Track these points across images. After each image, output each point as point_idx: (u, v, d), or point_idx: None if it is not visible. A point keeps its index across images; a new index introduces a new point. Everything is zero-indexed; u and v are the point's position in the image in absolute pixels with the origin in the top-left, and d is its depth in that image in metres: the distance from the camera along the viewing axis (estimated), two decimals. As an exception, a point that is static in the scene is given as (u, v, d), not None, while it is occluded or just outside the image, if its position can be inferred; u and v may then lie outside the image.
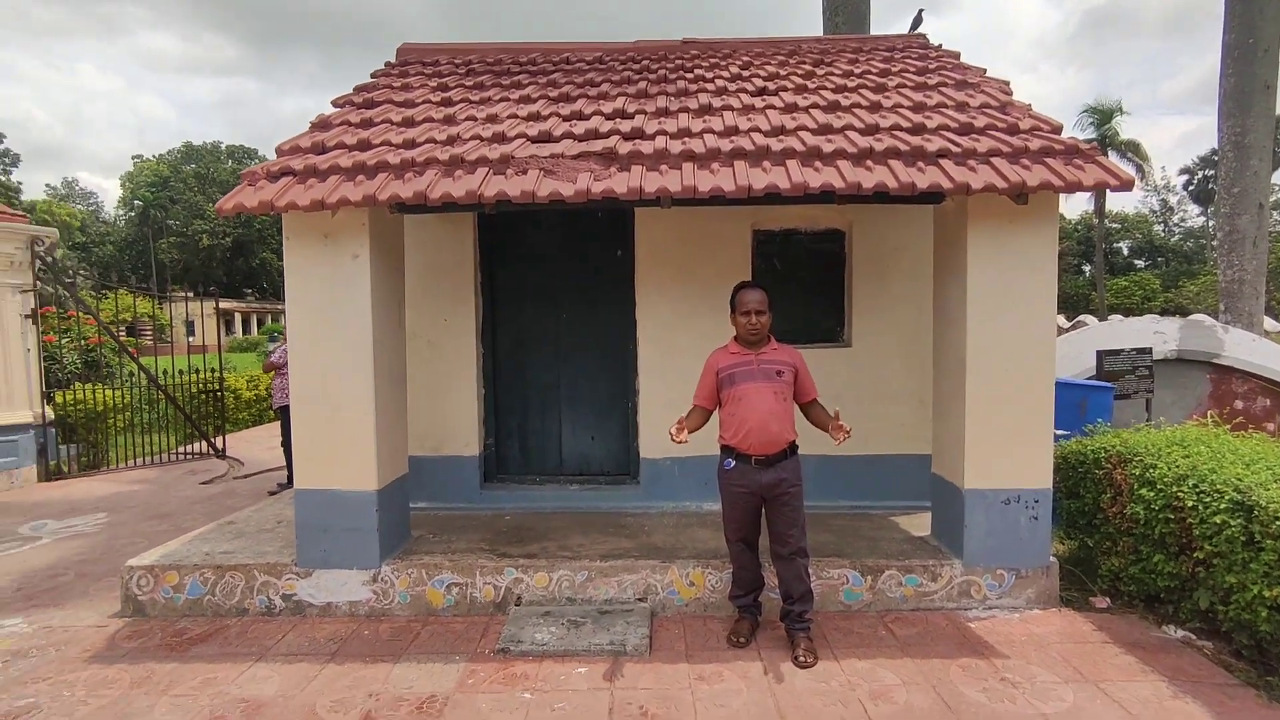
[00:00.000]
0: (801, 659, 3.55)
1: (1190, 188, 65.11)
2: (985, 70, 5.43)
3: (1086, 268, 53.41)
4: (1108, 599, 4.26)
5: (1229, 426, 4.36)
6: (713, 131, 4.32)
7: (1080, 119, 40.30)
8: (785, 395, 3.65)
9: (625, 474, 5.59)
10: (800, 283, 5.41)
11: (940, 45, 6.18)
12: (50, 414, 8.49)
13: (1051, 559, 4.21)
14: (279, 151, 4.37)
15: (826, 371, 5.30)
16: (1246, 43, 8.89)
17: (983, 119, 4.40)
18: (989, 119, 4.41)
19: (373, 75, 5.86)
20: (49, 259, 8.54)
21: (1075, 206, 56.16)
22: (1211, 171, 63.99)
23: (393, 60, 6.36)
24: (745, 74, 5.53)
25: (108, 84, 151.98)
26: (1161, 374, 7.43)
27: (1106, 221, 54.80)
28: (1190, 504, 3.49)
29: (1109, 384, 6.05)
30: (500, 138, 4.34)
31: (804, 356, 3.88)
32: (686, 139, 4.23)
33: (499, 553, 4.39)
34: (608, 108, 4.78)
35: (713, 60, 6.00)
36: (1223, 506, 3.32)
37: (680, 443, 3.51)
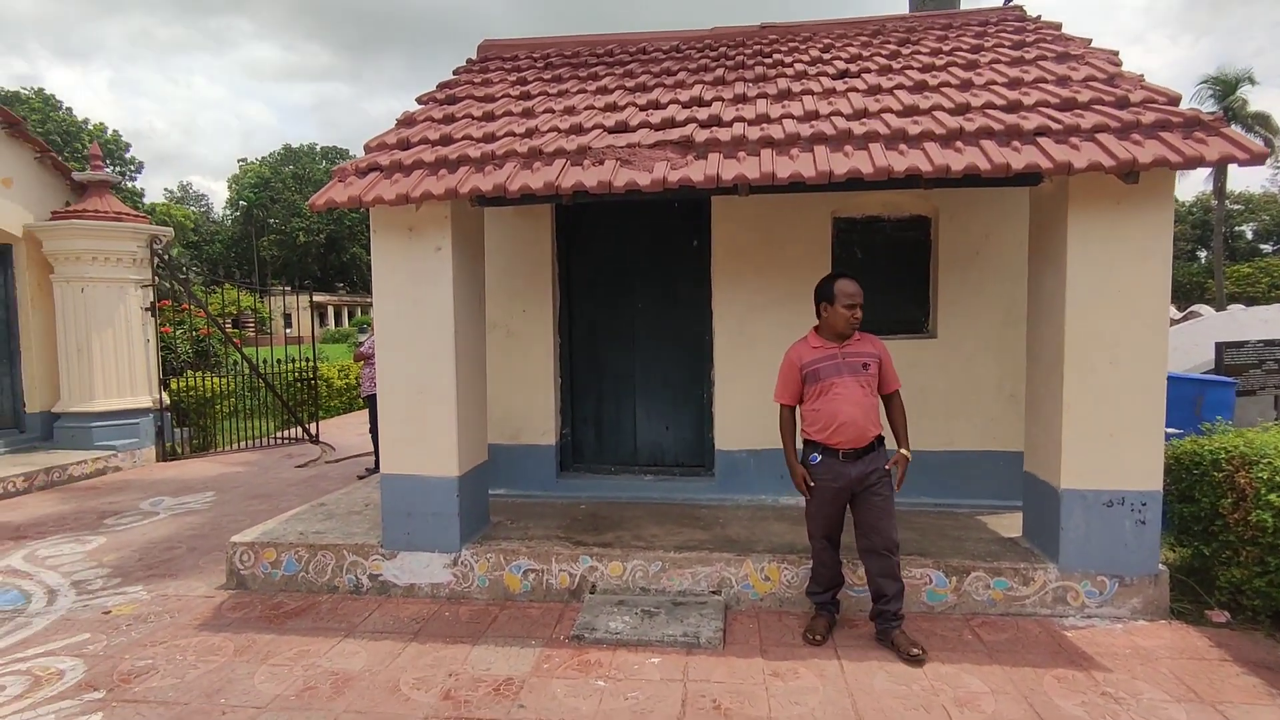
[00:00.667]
0: (915, 653, 3.46)
1: (1324, 167, 59.14)
2: (1090, 41, 5.06)
3: (1202, 253, 49.51)
4: (1227, 613, 3.91)
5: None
6: (792, 117, 4.21)
7: (1199, 91, 37.19)
8: (872, 388, 3.56)
9: (699, 465, 5.55)
10: (883, 271, 5.20)
11: (1039, 17, 5.80)
12: (166, 399, 9.16)
13: (1161, 567, 3.90)
14: (367, 149, 4.54)
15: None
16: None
17: (1087, 93, 4.10)
18: (1094, 93, 4.10)
19: (455, 72, 6.01)
20: (166, 256, 9.21)
21: (1190, 187, 52.09)
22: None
23: (474, 57, 6.49)
24: (826, 57, 5.35)
25: (217, 93, 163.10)
26: (1290, 369, 6.77)
27: (1228, 202, 50.68)
28: (1326, 512, 3.16)
29: (1230, 378, 5.57)
30: (577, 129, 4.36)
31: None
32: (765, 125, 4.13)
33: (574, 541, 4.44)
34: (684, 96, 4.72)
35: (792, 44, 5.84)
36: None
37: (808, 496, 3.64)
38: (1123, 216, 3.74)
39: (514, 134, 4.40)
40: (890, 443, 3.66)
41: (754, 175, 3.67)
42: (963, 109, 4.09)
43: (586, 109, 4.71)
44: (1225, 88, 34.99)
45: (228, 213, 62.57)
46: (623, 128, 4.31)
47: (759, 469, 5.27)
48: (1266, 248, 55.67)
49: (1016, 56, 4.85)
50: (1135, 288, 3.77)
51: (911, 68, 4.87)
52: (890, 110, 4.14)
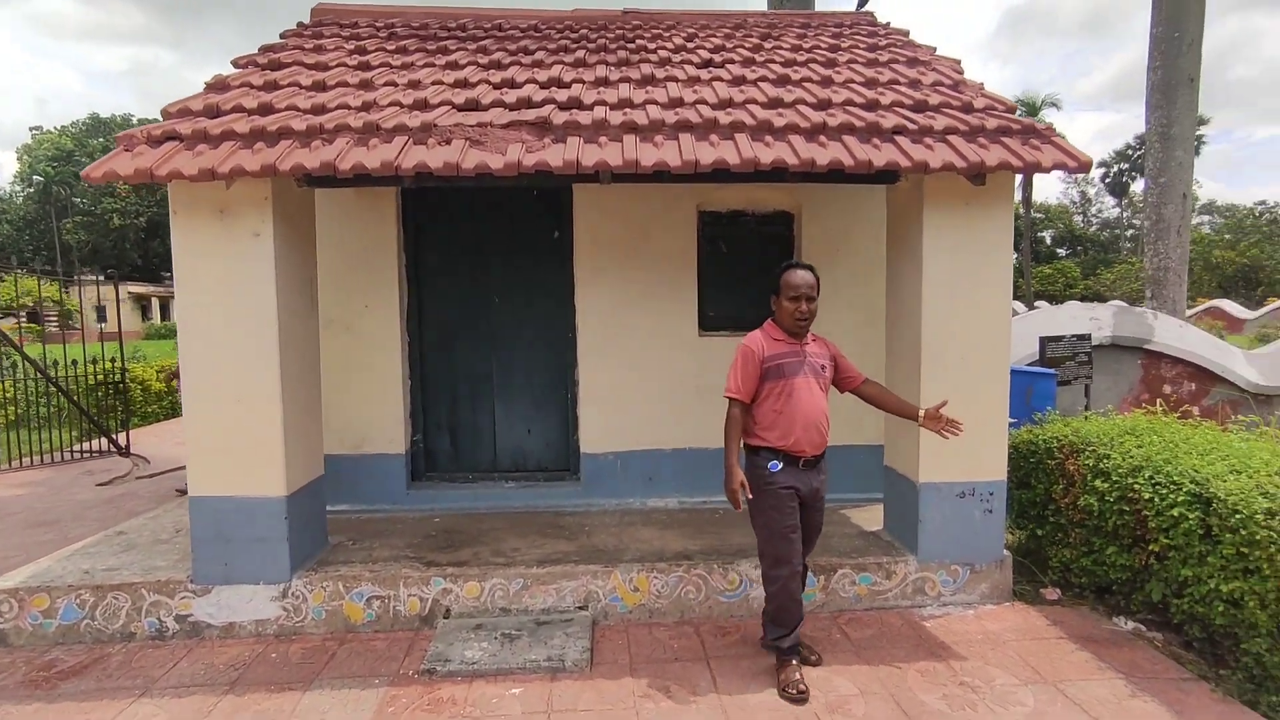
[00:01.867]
0: (812, 659, 3.40)
1: (1106, 180, 68.47)
2: (935, 49, 5.27)
3: (1014, 255, 55.51)
4: (1058, 590, 4.18)
5: (1177, 415, 4.32)
6: (656, 103, 4.01)
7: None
8: (827, 391, 3.31)
9: (565, 469, 5.26)
10: (748, 267, 5.16)
11: (889, 23, 6.00)
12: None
13: (1005, 553, 4.10)
14: (165, 114, 3.86)
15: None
16: (1172, 36, 9.08)
17: (937, 97, 4.22)
18: (943, 97, 4.22)
19: (282, 36, 5.31)
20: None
21: (1003, 196, 58.15)
22: (1126, 165, 67.46)
23: (306, 22, 5.79)
24: (690, 45, 5.22)
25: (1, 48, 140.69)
26: (1097, 359, 7.54)
27: (1031, 211, 57.15)
28: (1146, 496, 3.40)
29: (1053, 370, 6.04)
30: (423, 105, 3.92)
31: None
32: (628, 110, 3.90)
33: (426, 560, 4.02)
34: (543, 76, 4.40)
35: (655, 31, 5.67)
36: (1180, 499, 3.22)
37: (739, 509, 3.21)
38: (971, 217, 3.86)
39: (349, 106, 3.89)
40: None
41: (616, 161, 3.42)
42: (825, 104, 4.07)
43: (434, 84, 4.27)
44: (1029, 108, 39.31)
45: (18, 188, 54.25)
46: (474, 106, 3.92)
47: (626, 472, 5.06)
48: (1062, 251, 63.60)
49: (871, 58, 4.94)
50: (983, 286, 3.91)
51: (774, 62, 4.83)
52: (755, 102, 4.05)
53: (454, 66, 4.63)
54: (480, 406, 5.24)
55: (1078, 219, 66.62)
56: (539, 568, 3.93)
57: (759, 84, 4.38)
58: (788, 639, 3.26)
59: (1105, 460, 3.77)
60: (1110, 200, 67.97)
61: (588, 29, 5.70)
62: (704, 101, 4.03)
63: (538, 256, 5.13)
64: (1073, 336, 6.58)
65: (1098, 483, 3.75)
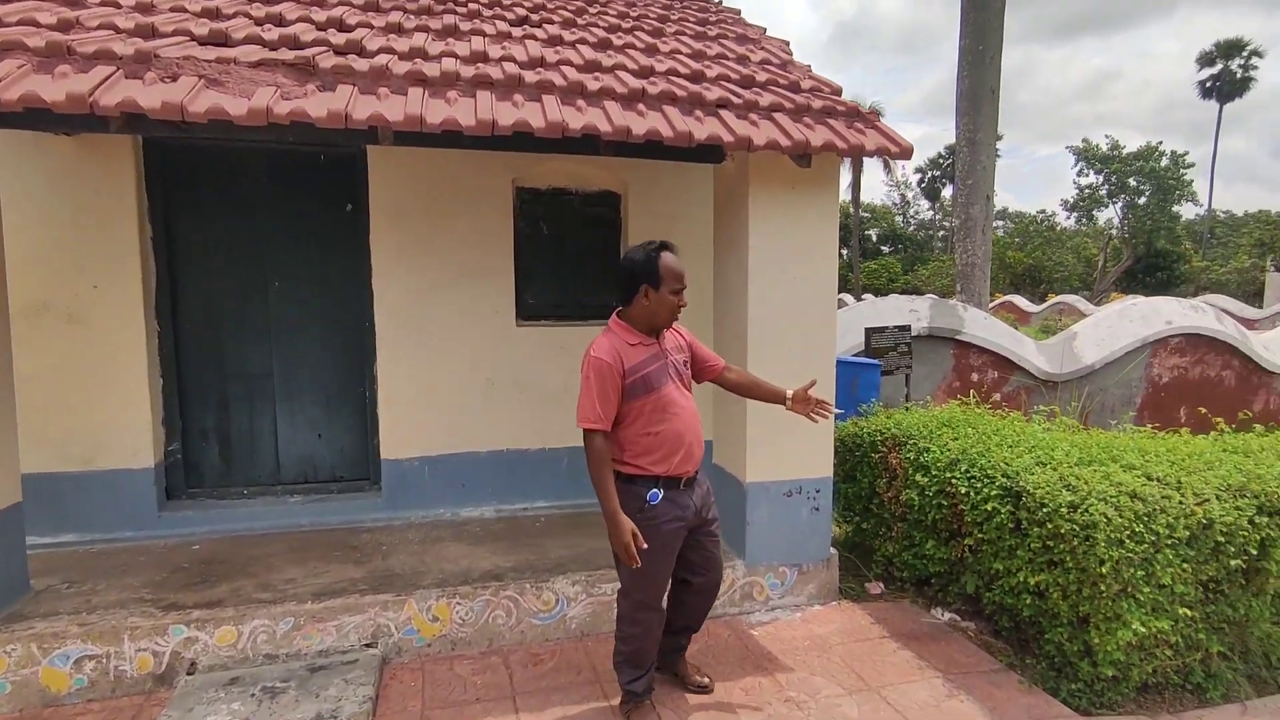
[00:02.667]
0: (704, 682, 3.07)
1: (922, 185, 75.59)
2: (765, 30, 5.09)
3: (844, 250, 59.58)
4: (882, 584, 4.14)
5: (985, 402, 4.41)
6: (455, 56, 3.45)
7: (840, 116, 44.36)
8: (690, 388, 2.84)
9: (365, 479, 4.58)
10: (572, 250, 4.73)
11: (720, 1, 5.79)
12: None
13: (831, 551, 3.98)
14: None
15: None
16: (977, 49, 9.73)
17: (764, 74, 3.99)
18: (770, 75, 4.01)
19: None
20: None
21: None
22: (938, 172, 74.79)
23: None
24: (506, 1, 4.67)
25: None
26: (916, 349, 7.89)
27: (860, 210, 61.64)
28: (963, 490, 3.35)
29: (877, 361, 6.15)
30: (148, 31, 3.11)
31: (576, 338, 3.16)
32: (420, 61, 3.31)
33: (166, 604, 3.23)
34: (321, 16, 3.69)
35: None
36: (993, 493, 3.19)
37: (635, 563, 2.54)
38: (797, 201, 3.66)
39: (34, 23, 2.99)
40: (572, 439, 3.13)
41: (396, 117, 2.84)
42: (647, 72, 3.70)
43: (172, 9, 3.44)
44: (859, 114, 42.12)
45: None
46: (220, 40, 3.16)
47: (435, 479, 4.47)
48: (886, 249, 69.44)
49: (700, 31, 4.67)
50: (809, 273, 3.73)
51: (597, 26, 4.41)
52: (570, 63, 3.60)
53: (213, -4, 3.78)
54: (258, 409, 4.42)
55: (899, 219, 73.10)
56: (315, 602, 3.28)
57: (577, 46, 3.94)
58: (642, 680, 2.84)
59: (925, 454, 3.72)
60: (925, 203, 75.35)
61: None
62: (512, 59, 3.53)
63: (328, 233, 4.39)
64: (895, 328, 6.78)
65: (918, 477, 3.70)
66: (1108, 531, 2.72)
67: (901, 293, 44.32)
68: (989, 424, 3.86)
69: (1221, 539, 2.79)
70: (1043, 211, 52.55)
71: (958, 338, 8.04)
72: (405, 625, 3.35)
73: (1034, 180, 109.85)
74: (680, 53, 4.14)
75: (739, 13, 5.47)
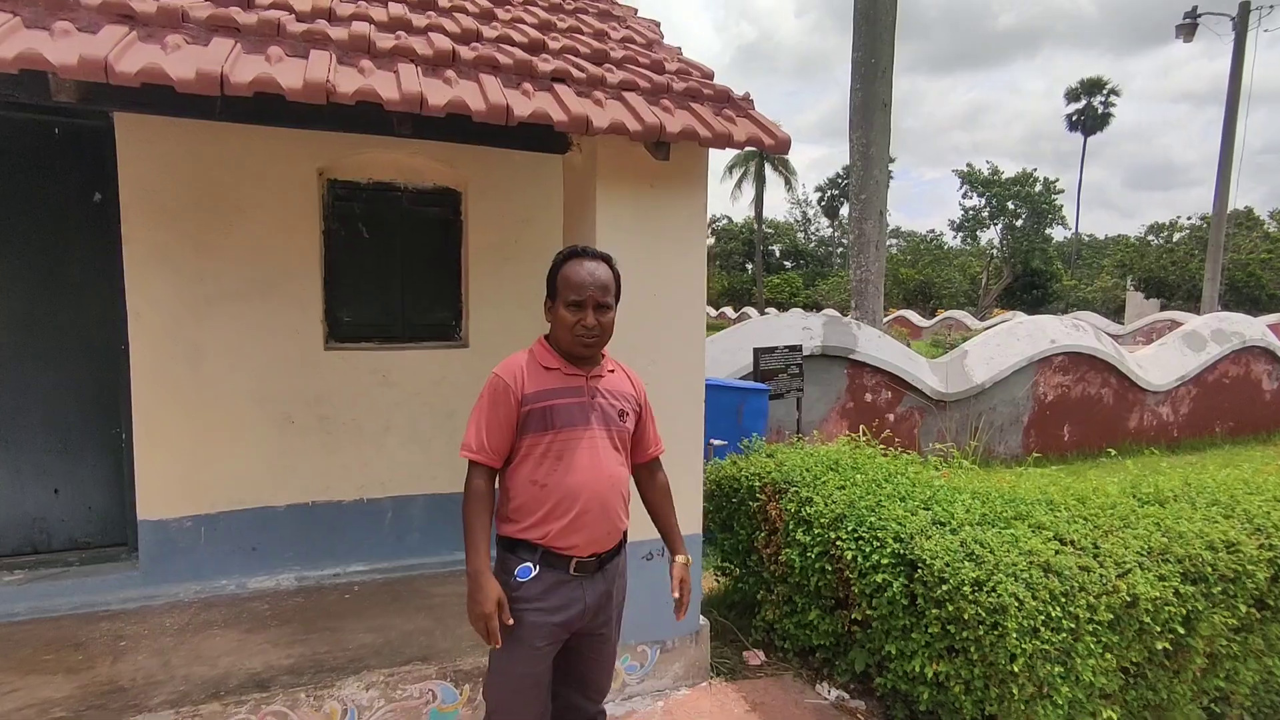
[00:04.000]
0: None
1: (822, 203, 78.47)
2: (636, 10, 4.47)
3: (749, 265, 60.76)
4: (762, 653, 3.52)
5: (877, 429, 3.91)
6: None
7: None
8: (626, 452, 2.17)
9: (120, 544, 3.57)
10: (402, 259, 3.90)
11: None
12: None
13: (702, 622, 3.33)
14: None
15: (435, 379, 3.93)
16: (870, 62, 9.57)
17: (622, 52, 3.33)
18: (630, 52, 3.35)
19: None
20: None
21: (741, 210, 63.55)
22: (836, 191, 77.89)
23: None
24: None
25: None
26: (809, 369, 7.46)
27: (763, 225, 63.19)
28: (849, 555, 2.77)
29: (764, 385, 5.62)
30: None
31: (402, 364, 2.36)
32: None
33: None
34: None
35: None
36: (884, 561, 2.62)
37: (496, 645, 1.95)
38: (658, 201, 3.01)
39: None
40: (425, 485, 2.30)
41: (67, 61, 1.96)
42: (471, 36, 2.96)
43: None
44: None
45: None
46: None
47: (214, 542, 3.53)
48: (789, 264, 71.44)
49: (556, 4, 3.96)
50: (673, 287, 3.08)
51: (427, -13, 3.63)
52: (365, 18, 2.81)
53: None
54: (-40, 455, 3.34)
55: (800, 236, 75.47)
56: (-29, 748, 2.31)
57: (387, 3, 3.15)
58: None
59: (808, 506, 3.13)
60: (826, 220, 78.15)
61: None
62: (286, 7, 2.70)
63: (65, 230, 3.39)
64: (785, 348, 6.30)
65: (799, 534, 3.10)
66: (1019, 619, 2.18)
67: (804, 307, 45.44)
68: (880, 469, 3.32)
69: (1147, 618, 2.30)
70: (931, 231, 55.21)
71: (851, 357, 7.69)
72: (117, 767, 2.43)
73: (922, 201, 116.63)
74: (523, 21, 3.43)
75: (609, -7, 4.82)
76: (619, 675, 3.14)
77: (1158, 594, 2.32)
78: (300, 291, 3.64)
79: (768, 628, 3.53)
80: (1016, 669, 2.16)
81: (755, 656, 3.52)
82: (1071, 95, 52.86)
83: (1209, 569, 2.47)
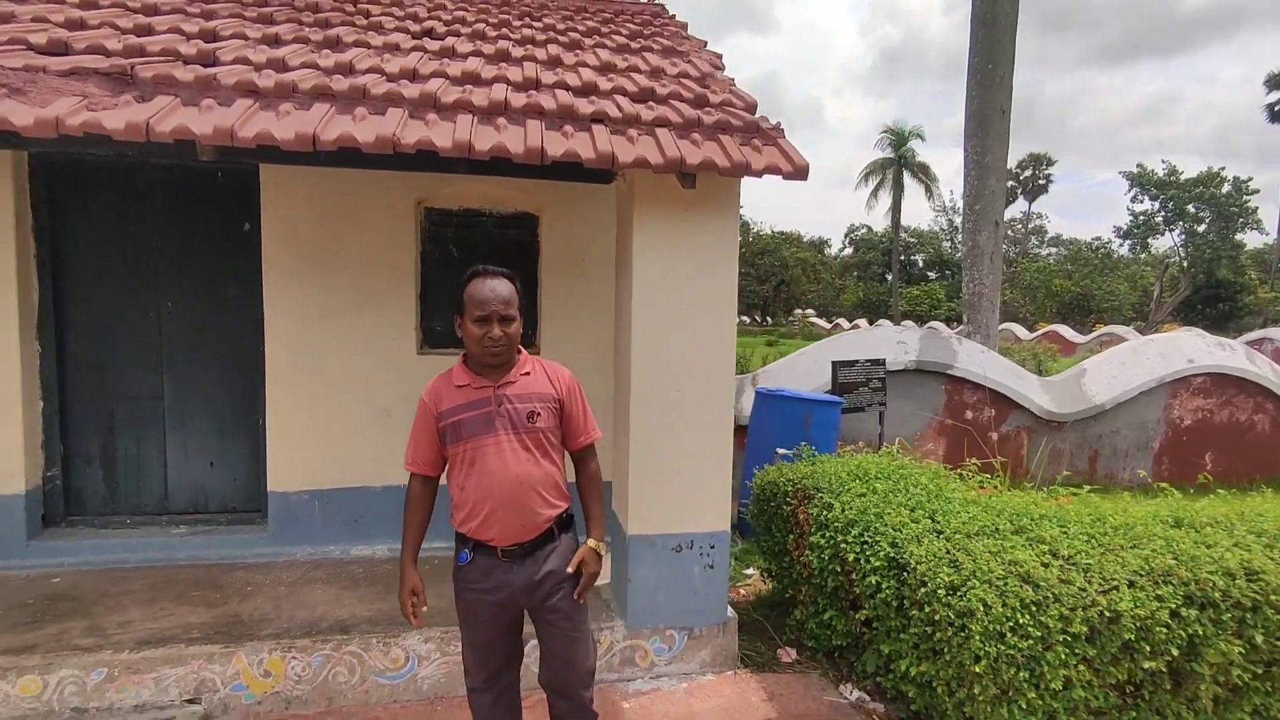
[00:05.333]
0: None
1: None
2: (706, 43, 4.79)
3: (888, 275, 58.55)
4: (794, 651, 3.69)
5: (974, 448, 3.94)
6: (310, 66, 3.23)
7: (881, 139, 43.73)
8: (546, 449, 2.36)
9: (256, 510, 4.35)
10: (485, 275, 4.45)
11: (674, 16, 5.51)
12: None
13: (729, 614, 3.56)
14: None
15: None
16: (986, 68, 9.24)
17: (671, 87, 3.67)
18: (679, 88, 3.69)
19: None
20: None
21: (880, 220, 61.20)
22: (988, 197, 72.88)
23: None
24: (424, 15, 4.47)
25: None
26: (903, 384, 7.37)
27: (905, 236, 60.69)
28: (851, 557, 2.92)
29: (836, 397, 5.69)
30: (-13, 41, 2.96)
31: None
32: (259, 71, 3.09)
33: (-25, 647, 3.03)
34: (193, 28, 3.52)
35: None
36: (877, 564, 2.76)
37: (415, 625, 2.38)
38: (690, 225, 3.31)
39: None
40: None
41: (164, 129, 2.58)
42: (530, 84, 3.43)
43: (34, 20, 3.30)
44: (898, 138, 41.40)
45: None
46: (60, 49, 3.00)
47: (325, 514, 4.22)
48: (933, 275, 67.78)
49: (624, 44, 4.38)
50: (703, 308, 3.36)
51: (509, 39, 4.17)
52: (440, 75, 3.34)
53: (90, 5, 3.67)
54: (147, 435, 4.24)
55: (945, 245, 71.46)
56: (133, 651, 3.03)
57: (468, 57, 3.69)
58: None
59: (828, 511, 3.29)
60: (975, 229, 73.46)
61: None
62: (378, 70, 3.29)
63: (223, 253, 4.21)
64: (866, 361, 6.32)
65: (817, 537, 3.27)
66: (985, 622, 2.28)
67: (945, 320, 43.22)
68: (906, 476, 3.40)
69: (1131, 635, 2.31)
70: (1097, 239, 50.51)
71: (949, 372, 7.49)
72: (233, 680, 3.07)
73: (1090, 206, 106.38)
74: (586, 65, 3.86)
75: (685, 27, 5.18)
76: (648, 655, 3.45)
77: (1144, 612, 2.31)
78: (399, 304, 4.27)
79: (798, 627, 3.69)
80: (979, 670, 2.25)
81: (787, 654, 3.70)
82: (1274, 83, 46.51)
83: (1218, 594, 2.41)
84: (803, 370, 7.10)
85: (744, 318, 62.60)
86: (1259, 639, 2.43)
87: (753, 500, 4.19)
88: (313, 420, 4.17)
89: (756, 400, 5.67)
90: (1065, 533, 2.65)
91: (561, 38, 4.36)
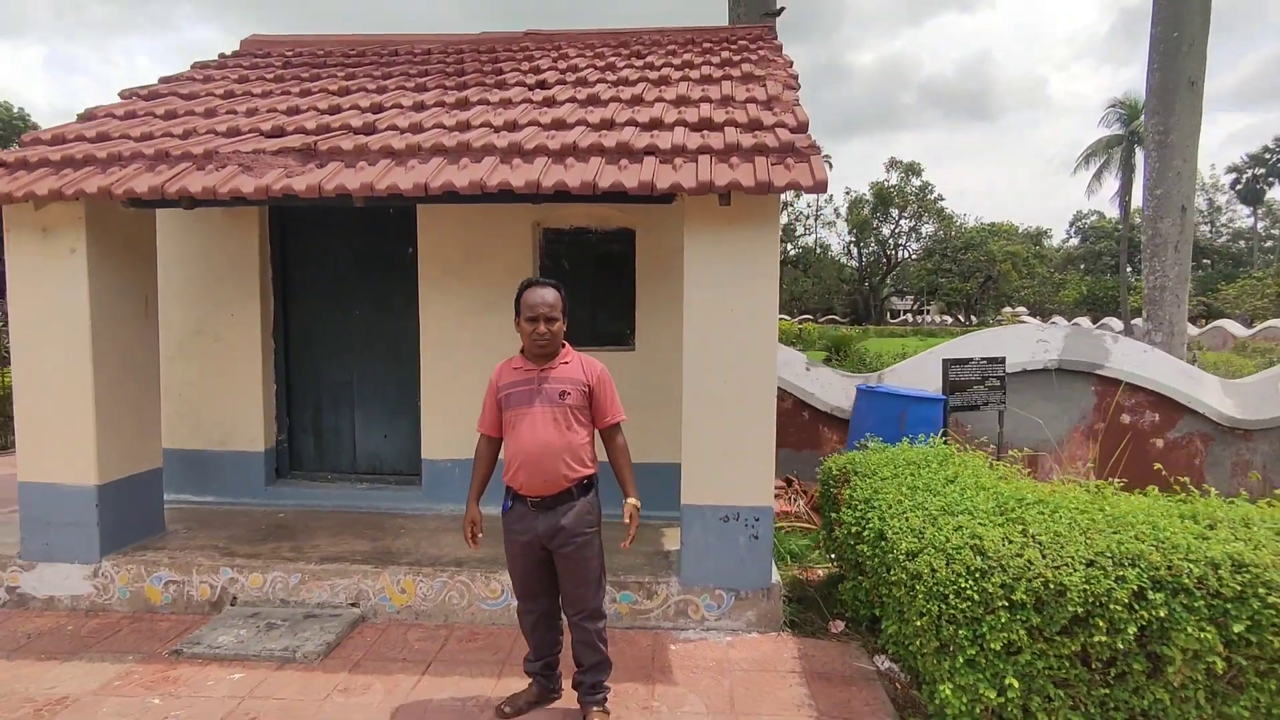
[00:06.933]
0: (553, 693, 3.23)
1: (1238, 187, 62.61)
2: (791, 62, 5.18)
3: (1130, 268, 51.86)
4: (843, 623, 4.02)
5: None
6: (439, 126, 4.18)
7: (1107, 115, 38.86)
8: (571, 422, 2.95)
9: (415, 474, 5.50)
10: (591, 284, 5.23)
11: (774, 38, 5.92)
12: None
13: (774, 580, 3.99)
14: (21, 142, 4.38)
15: (615, 378, 5.15)
16: (1171, 36, 8.35)
17: (731, 114, 4.18)
18: (741, 112, 4.19)
19: (193, 66, 5.86)
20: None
21: (1107, 204, 54.14)
22: (1262, 170, 61.43)
23: (234, 51, 6.36)
24: (544, 66, 5.36)
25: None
26: (1043, 384, 7.06)
27: (1130, 220, 53.28)
28: (854, 529, 3.26)
29: (936, 394, 5.74)
30: (234, 132, 4.28)
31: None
32: (393, 133, 4.10)
33: (227, 551, 4.35)
34: (366, 102, 4.67)
35: (531, 52, 5.84)
36: (868, 536, 3.09)
37: (473, 549, 3.15)
38: (732, 236, 3.82)
39: (171, 135, 4.29)
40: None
41: (354, 186, 3.62)
42: (606, 125, 4.14)
43: (268, 111, 4.63)
44: (1130, 111, 36.48)
45: None
46: (279, 133, 4.24)
47: (464, 478, 5.19)
48: (1183, 264, 58.46)
49: (707, 75, 4.93)
50: (746, 308, 3.84)
51: (605, 82, 4.91)
52: (534, 124, 4.16)
53: (305, 94, 4.98)
54: (341, 412, 5.56)
55: (1203, 229, 61.16)
56: (317, 564, 4.18)
57: (564, 104, 4.48)
58: (531, 664, 3.21)
59: (856, 491, 3.62)
60: (1244, 209, 62.10)
61: (469, 51, 5.94)
62: (487, 124, 4.17)
63: (393, 271, 5.41)
64: (982, 359, 6.20)
65: (845, 514, 3.61)
66: (930, 584, 2.58)
67: (1191, 319, 37.38)
68: (957, 463, 3.60)
69: (1078, 609, 2.48)
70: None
71: (1099, 373, 7.02)
72: (380, 593, 4.11)
73: None
74: (664, 99, 4.49)
75: (779, 48, 5.58)
76: (699, 609, 3.99)
77: (1098, 589, 2.44)
78: (521, 308, 5.18)
79: (843, 600, 4.02)
80: (922, 625, 2.54)
81: (836, 625, 4.03)
82: None
83: (1190, 581, 2.46)
84: (930, 369, 7.07)
85: (945, 317, 58.48)
86: (1238, 629, 2.45)
87: (819, 484, 4.54)
88: (454, 402, 5.21)
89: (858, 396, 5.89)
90: (1050, 518, 2.80)
91: (654, 73, 5.02)
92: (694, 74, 4.98)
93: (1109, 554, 2.56)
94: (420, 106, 4.62)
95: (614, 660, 3.61)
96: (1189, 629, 2.46)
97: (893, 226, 58.44)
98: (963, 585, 2.54)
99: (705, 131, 4.01)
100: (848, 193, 59.24)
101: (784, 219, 58.90)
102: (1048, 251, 58.09)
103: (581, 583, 3.00)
